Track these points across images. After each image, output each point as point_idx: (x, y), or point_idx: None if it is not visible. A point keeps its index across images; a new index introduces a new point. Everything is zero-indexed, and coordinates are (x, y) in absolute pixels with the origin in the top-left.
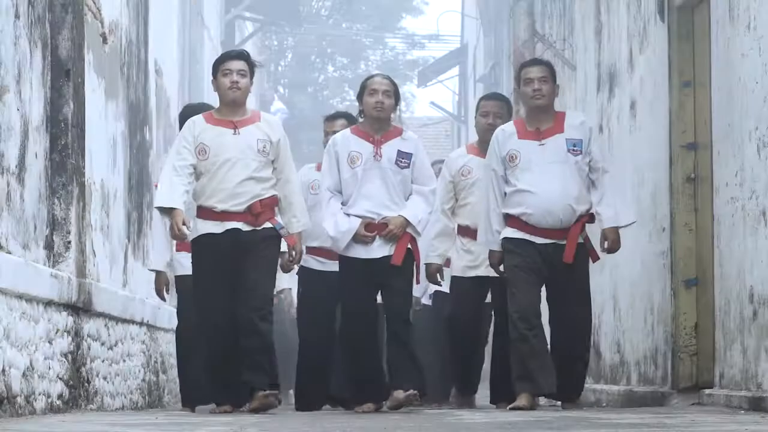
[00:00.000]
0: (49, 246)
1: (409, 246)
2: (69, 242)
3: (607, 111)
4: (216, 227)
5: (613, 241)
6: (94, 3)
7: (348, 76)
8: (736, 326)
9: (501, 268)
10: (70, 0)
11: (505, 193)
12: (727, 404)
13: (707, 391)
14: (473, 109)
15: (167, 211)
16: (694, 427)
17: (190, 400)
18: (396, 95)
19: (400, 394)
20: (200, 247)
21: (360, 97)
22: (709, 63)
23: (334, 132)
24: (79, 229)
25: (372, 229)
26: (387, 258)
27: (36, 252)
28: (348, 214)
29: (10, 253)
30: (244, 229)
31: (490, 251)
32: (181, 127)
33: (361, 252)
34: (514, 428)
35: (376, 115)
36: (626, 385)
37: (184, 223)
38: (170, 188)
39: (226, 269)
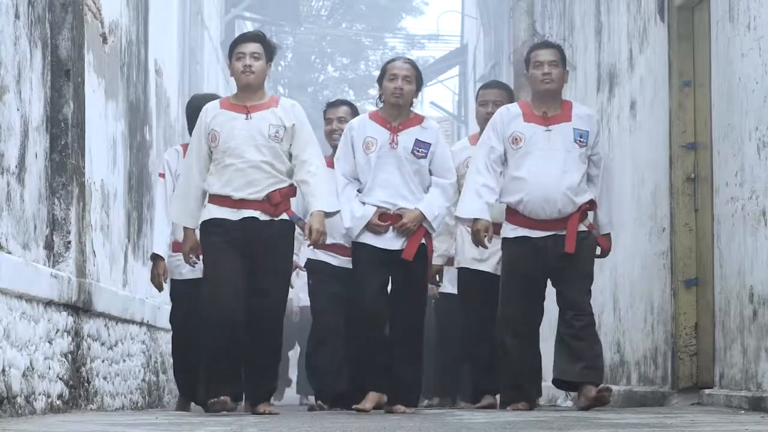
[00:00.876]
0: (49, 246)
1: (423, 241)
2: (69, 242)
3: (607, 111)
4: (232, 214)
5: (604, 250)
6: (94, 3)
7: (348, 76)
8: (736, 326)
9: (486, 241)
10: (70, 0)
11: (502, 173)
12: (727, 404)
13: (707, 391)
14: (473, 109)
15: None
16: (694, 427)
17: (188, 398)
18: (418, 81)
19: (398, 409)
20: (212, 229)
21: (380, 80)
22: (709, 63)
23: (338, 118)
24: (79, 229)
25: (386, 219)
26: (400, 252)
27: (36, 252)
28: (363, 203)
29: (10, 253)
30: (261, 218)
31: (475, 219)
32: (188, 120)
33: (374, 240)
34: (514, 428)
35: (394, 101)
36: (626, 385)
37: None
38: (185, 202)
39: (238, 256)
